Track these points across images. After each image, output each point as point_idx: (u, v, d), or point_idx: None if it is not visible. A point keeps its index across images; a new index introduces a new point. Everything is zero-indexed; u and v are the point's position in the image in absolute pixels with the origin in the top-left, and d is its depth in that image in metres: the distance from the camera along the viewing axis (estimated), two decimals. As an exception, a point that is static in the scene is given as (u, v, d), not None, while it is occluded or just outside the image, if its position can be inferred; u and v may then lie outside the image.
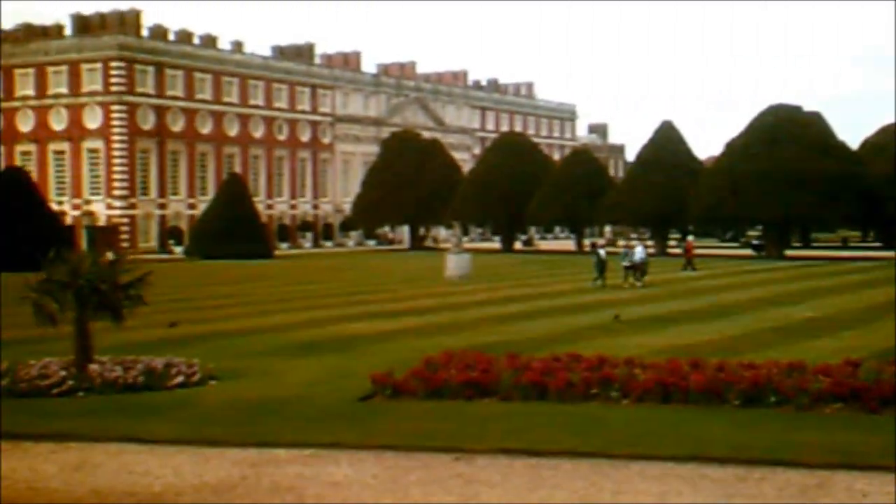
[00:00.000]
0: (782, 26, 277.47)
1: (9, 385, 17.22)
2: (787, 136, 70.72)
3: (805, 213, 70.59)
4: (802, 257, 72.36)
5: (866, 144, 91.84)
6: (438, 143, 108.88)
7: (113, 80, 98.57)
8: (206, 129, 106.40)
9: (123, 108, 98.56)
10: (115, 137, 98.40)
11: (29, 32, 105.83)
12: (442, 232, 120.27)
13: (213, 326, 28.28)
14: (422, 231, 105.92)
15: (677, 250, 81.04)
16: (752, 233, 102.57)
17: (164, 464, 12.29)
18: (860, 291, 39.94)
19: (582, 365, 16.94)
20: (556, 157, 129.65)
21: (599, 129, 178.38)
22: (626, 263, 44.58)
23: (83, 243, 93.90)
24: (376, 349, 23.00)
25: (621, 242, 64.51)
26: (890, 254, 69.65)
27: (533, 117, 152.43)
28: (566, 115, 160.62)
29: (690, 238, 63.67)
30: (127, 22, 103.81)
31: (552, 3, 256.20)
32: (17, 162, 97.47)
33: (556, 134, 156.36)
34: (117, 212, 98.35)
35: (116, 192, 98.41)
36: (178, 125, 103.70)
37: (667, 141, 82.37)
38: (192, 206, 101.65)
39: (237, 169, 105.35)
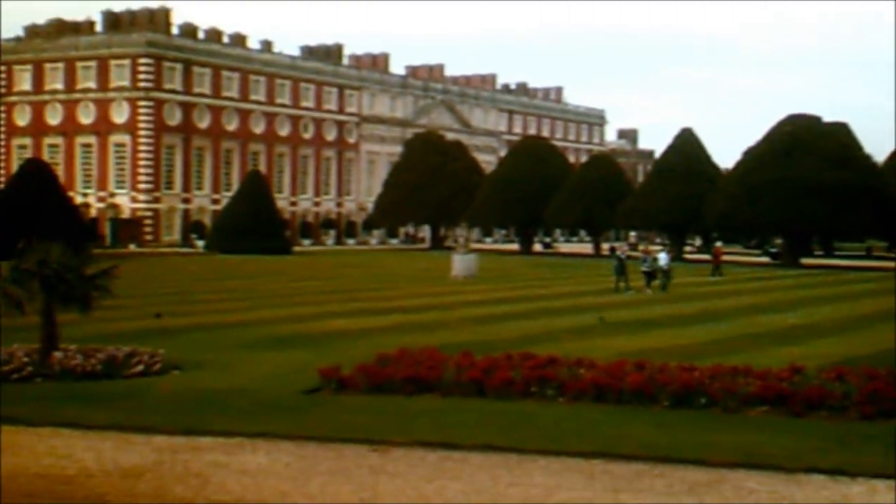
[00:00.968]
0: (826, 32, 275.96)
1: (-27, 370, 17.72)
2: (804, 146, 70.61)
3: (819, 223, 70.40)
4: (819, 266, 72.16)
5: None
6: (461, 144, 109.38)
7: (141, 76, 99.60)
8: (232, 126, 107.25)
9: (150, 103, 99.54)
10: (142, 132, 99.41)
11: (60, 28, 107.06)
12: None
13: (200, 319, 28.73)
14: (442, 231, 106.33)
15: (693, 256, 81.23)
16: (779, 241, 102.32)
17: (88, 448, 12.69)
18: (855, 301, 39.99)
19: (529, 363, 17.20)
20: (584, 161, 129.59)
21: (629, 135, 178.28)
22: (644, 269, 44.56)
23: (107, 235, 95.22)
24: (350, 345, 23.34)
25: (641, 247, 64.47)
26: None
27: (561, 121, 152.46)
28: (595, 120, 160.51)
29: (719, 244, 63.86)
30: (156, 19, 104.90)
31: (585, 8, 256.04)
32: (46, 154, 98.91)
33: (585, 139, 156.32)
34: (141, 205, 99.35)
35: (141, 186, 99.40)
36: (204, 122, 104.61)
37: (685, 147, 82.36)
38: (215, 202, 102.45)
39: (262, 166, 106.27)
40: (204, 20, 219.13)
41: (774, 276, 59.62)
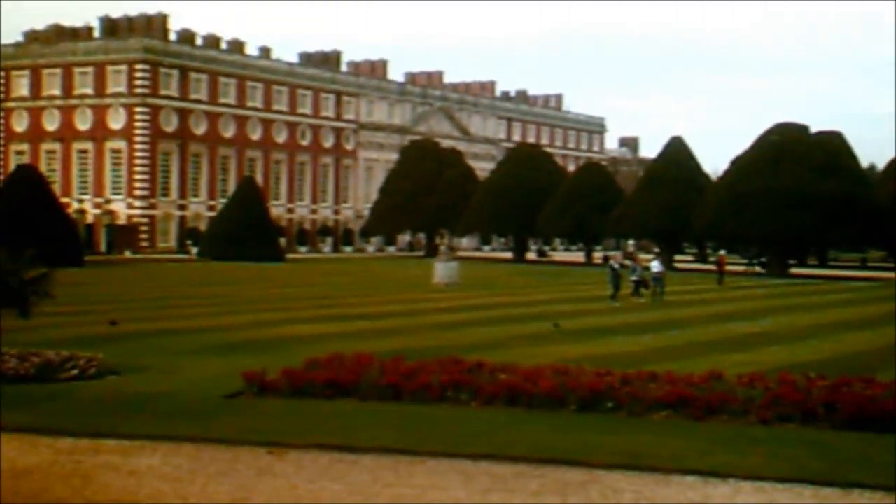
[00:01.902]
0: (828, 35, 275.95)
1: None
2: (791, 156, 70.80)
3: (805, 233, 70.53)
4: (806, 276, 72.22)
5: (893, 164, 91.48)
6: (457, 151, 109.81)
7: (137, 82, 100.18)
8: (228, 132, 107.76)
9: (147, 110, 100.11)
10: (138, 138, 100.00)
11: (59, 33, 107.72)
12: (463, 241, 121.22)
13: (160, 325, 29.01)
14: (437, 239, 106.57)
15: (689, 266, 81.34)
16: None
17: (-6, 449, 12.94)
18: (824, 310, 40.15)
19: (454, 368, 17.38)
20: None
21: (630, 143, 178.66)
22: (634, 278, 44.61)
23: (103, 242, 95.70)
24: (301, 350, 23.41)
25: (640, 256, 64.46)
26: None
27: (561, 129, 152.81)
28: (595, 128, 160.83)
29: (722, 253, 64.39)
30: (154, 25, 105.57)
31: (585, 14, 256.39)
32: (43, 160, 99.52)
33: (585, 146, 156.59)
34: (137, 211, 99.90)
35: (137, 193, 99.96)
36: (200, 128, 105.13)
37: (676, 155, 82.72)
38: (211, 208, 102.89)
39: (259, 173, 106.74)
40: (202, 26, 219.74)
41: (754, 285, 59.69)
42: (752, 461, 12.38)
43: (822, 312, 38.87)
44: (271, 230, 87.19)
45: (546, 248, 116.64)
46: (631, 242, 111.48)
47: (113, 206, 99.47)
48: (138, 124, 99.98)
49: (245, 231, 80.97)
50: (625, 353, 23.98)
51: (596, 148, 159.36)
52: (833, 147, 75.03)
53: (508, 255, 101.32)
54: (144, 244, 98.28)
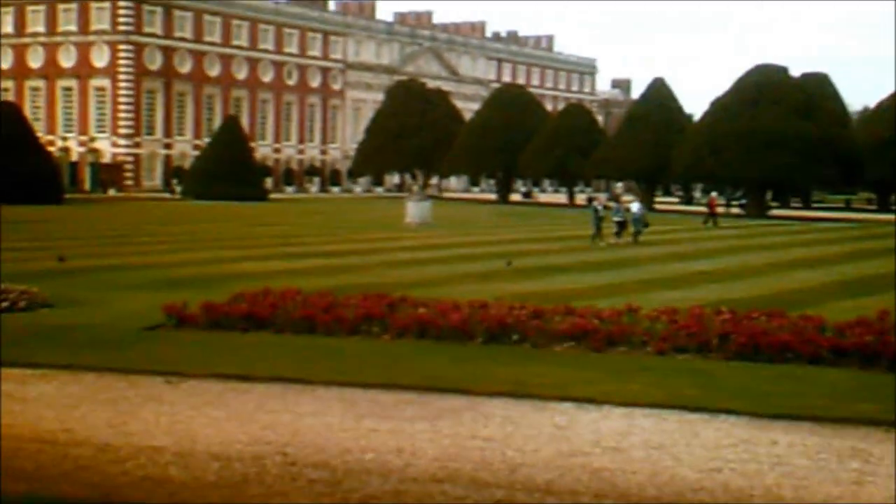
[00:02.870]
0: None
1: None
2: (769, 97, 70.58)
3: (782, 175, 70.51)
4: (784, 217, 72.37)
5: (881, 106, 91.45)
6: (443, 92, 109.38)
7: (121, 19, 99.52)
8: (214, 71, 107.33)
9: (130, 47, 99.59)
10: (122, 77, 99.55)
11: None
12: (452, 182, 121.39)
13: (108, 261, 29.21)
14: (408, 180, 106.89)
15: (664, 206, 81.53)
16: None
17: None
18: (786, 249, 40.35)
19: (384, 302, 17.53)
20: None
21: (623, 85, 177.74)
22: (616, 218, 44.51)
23: (87, 180, 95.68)
24: (242, 287, 23.61)
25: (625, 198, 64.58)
26: (879, 217, 69.80)
27: (551, 70, 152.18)
28: (586, 70, 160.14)
29: (714, 194, 64.53)
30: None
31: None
32: (27, 97, 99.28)
33: (575, 88, 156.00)
34: (122, 150, 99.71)
35: (122, 131, 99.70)
36: (185, 67, 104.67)
37: (657, 97, 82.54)
38: (197, 148, 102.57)
39: (245, 112, 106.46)
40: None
41: (732, 226, 59.73)
42: (630, 388, 12.64)
43: (783, 251, 39.03)
44: (255, 170, 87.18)
45: (535, 189, 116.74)
46: (619, 185, 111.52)
47: (97, 145, 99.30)
48: (122, 62, 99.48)
49: (228, 170, 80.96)
50: (566, 290, 24.07)
51: (587, 90, 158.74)
52: (813, 89, 74.91)
53: (488, 196, 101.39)
54: (129, 183, 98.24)
